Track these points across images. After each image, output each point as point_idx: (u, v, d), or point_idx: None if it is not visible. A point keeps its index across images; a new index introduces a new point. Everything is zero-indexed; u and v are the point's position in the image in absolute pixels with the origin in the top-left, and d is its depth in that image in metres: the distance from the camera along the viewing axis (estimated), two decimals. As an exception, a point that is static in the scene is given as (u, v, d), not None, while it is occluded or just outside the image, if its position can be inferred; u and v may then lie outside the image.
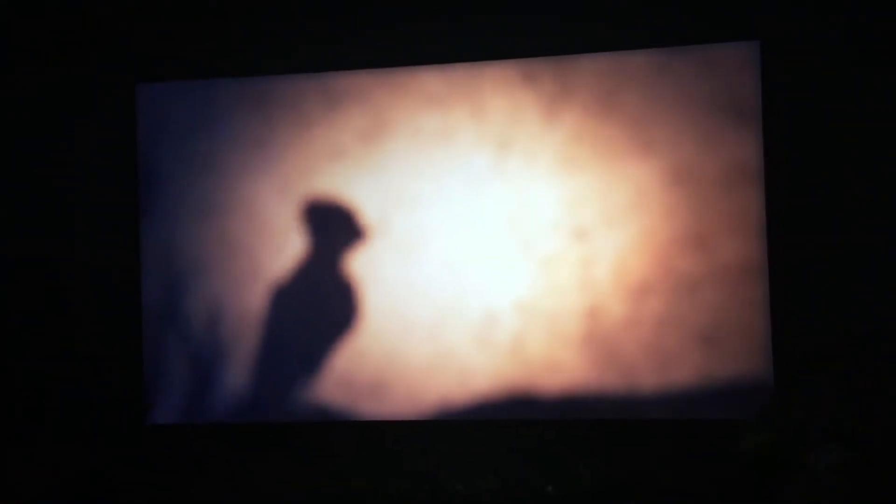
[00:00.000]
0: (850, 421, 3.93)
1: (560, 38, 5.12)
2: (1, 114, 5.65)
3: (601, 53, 5.10)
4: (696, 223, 4.98)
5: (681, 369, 4.98)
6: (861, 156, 4.76)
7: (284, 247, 5.39)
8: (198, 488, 5.35)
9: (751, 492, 4.23)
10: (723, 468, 4.57)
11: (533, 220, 5.15)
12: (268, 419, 5.39)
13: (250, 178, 5.42)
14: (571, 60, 5.14)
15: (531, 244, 5.15)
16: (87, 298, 5.53)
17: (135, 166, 5.56)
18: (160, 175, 5.53)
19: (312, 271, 5.37)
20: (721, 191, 4.95)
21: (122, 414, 5.45)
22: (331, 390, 5.33)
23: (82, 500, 5.24)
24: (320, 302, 5.35)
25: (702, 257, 4.97)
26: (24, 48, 5.60)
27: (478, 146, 5.21)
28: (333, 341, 5.33)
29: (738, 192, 4.93)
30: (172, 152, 5.52)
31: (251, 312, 5.41)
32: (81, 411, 5.40)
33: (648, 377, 5.01)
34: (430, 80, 5.27)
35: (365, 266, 5.30)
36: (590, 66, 5.12)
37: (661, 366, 5.00)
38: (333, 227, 5.34)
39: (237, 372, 5.42)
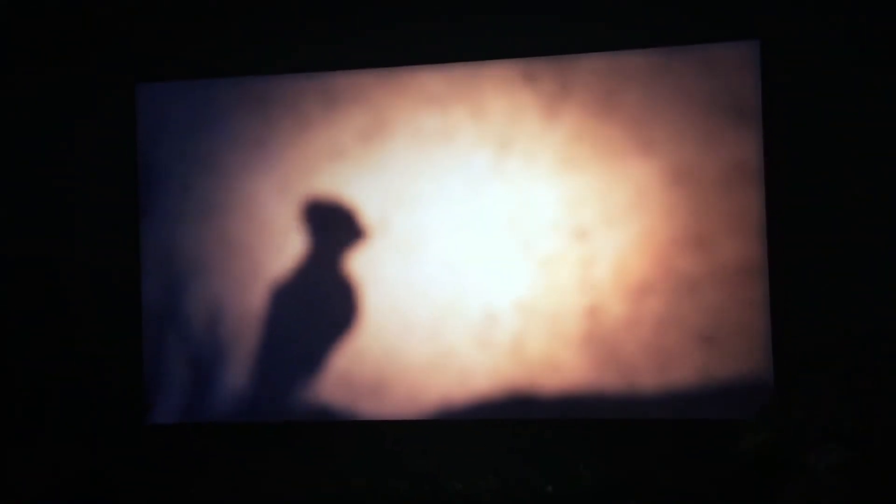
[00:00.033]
0: (850, 421, 3.94)
1: (560, 37, 5.12)
2: (1, 114, 5.65)
3: (601, 53, 5.10)
4: (696, 223, 4.98)
5: (681, 369, 4.98)
6: (861, 156, 4.76)
7: (284, 247, 5.39)
8: (198, 488, 5.35)
9: (751, 492, 4.24)
10: (723, 468, 4.57)
11: (533, 220, 5.15)
12: (268, 419, 5.39)
13: (250, 178, 5.42)
14: (571, 60, 5.14)
15: (531, 244, 5.15)
16: (87, 298, 5.53)
17: (135, 166, 5.56)
18: (160, 175, 5.53)
19: (312, 271, 5.37)
20: (721, 191, 4.95)
21: (122, 414, 5.45)
22: (331, 390, 5.33)
23: (82, 500, 5.24)
24: (320, 302, 5.35)
25: (702, 257, 4.97)
26: (24, 48, 5.60)
27: (478, 146, 5.21)
28: (333, 341, 5.33)
29: (738, 192, 4.93)
30: (172, 152, 5.52)
31: (251, 312, 5.41)
32: (81, 411, 5.40)
33: (648, 377, 5.01)
34: (430, 80, 5.27)
35: (365, 266, 5.30)
36: (590, 66, 5.12)
37: (661, 366, 5.00)
38: (333, 227, 5.34)
39: (237, 372, 5.42)
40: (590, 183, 5.09)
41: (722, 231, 4.95)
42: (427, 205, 5.25)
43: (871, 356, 4.10)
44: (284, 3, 5.39)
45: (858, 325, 4.43)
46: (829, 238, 4.76)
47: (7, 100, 5.64)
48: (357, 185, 5.32)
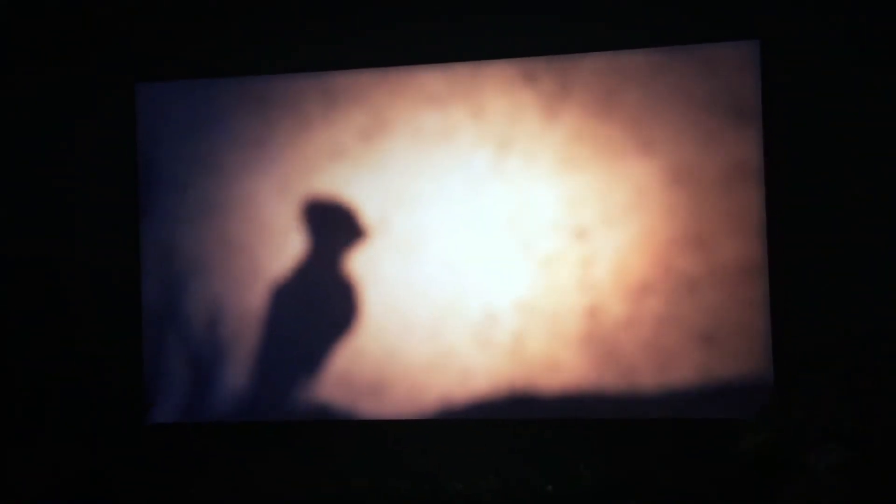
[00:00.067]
0: (850, 421, 3.94)
1: (560, 37, 5.12)
2: (1, 114, 5.65)
3: (601, 53, 5.10)
4: (696, 223, 4.98)
5: (681, 369, 4.98)
6: (861, 156, 4.76)
7: (284, 247, 5.39)
8: (198, 488, 5.35)
9: (751, 492, 4.24)
10: (723, 468, 4.57)
11: (533, 220, 5.15)
12: (268, 419, 5.39)
13: (250, 178, 5.42)
14: (571, 60, 5.14)
15: (531, 244, 5.15)
16: (87, 298, 5.53)
17: (135, 166, 5.56)
18: (160, 175, 5.53)
19: (312, 271, 5.37)
20: (721, 191, 4.95)
21: (122, 414, 5.45)
22: (331, 390, 5.33)
23: (82, 500, 5.24)
24: (320, 302, 5.35)
25: (702, 257, 4.97)
26: (24, 48, 5.60)
27: (478, 146, 5.21)
28: (333, 341, 5.33)
29: (738, 192, 4.93)
30: (172, 152, 5.51)
31: (251, 312, 5.41)
32: (81, 411, 5.40)
33: (648, 377, 5.01)
34: (430, 80, 5.27)
35: (365, 266, 5.30)
36: (590, 66, 5.12)
37: (660, 365, 5.00)
38: (333, 226, 5.34)
39: (237, 372, 5.42)
40: (590, 183, 5.09)
41: (722, 231, 4.95)
42: (427, 205, 5.25)
43: (871, 356, 4.10)
44: (284, 3, 5.39)
45: (858, 325, 4.43)
46: (829, 238, 4.76)
47: (7, 100, 5.64)
48: (357, 184, 5.32)
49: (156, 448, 5.45)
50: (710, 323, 4.95)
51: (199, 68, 5.49)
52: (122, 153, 5.56)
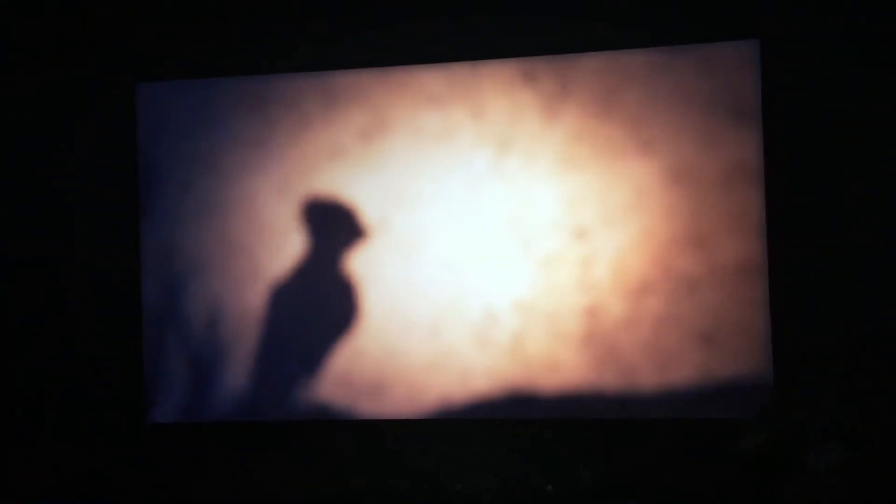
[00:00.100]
0: (850, 421, 3.94)
1: (560, 37, 5.12)
2: (1, 114, 5.65)
3: (601, 53, 5.10)
4: (696, 223, 4.98)
5: (680, 369, 4.98)
6: (861, 156, 4.76)
7: (284, 247, 5.39)
8: (198, 488, 5.35)
9: (751, 492, 4.24)
10: (723, 468, 4.57)
11: (533, 219, 5.15)
12: (268, 419, 5.39)
13: (250, 178, 5.42)
14: (571, 60, 5.14)
15: (531, 244, 5.15)
16: (87, 298, 5.53)
17: (135, 166, 5.56)
18: (160, 175, 5.53)
19: (312, 271, 5.37)
20: (721, 191, 4.95)
21: (122, 414, 5.45)
22: (331, 390, 5.33)
23: (82, 500, 5.24)
24: (320, 302, 5.35)
25: (701, 257, 4.97)
26: (24, 48, 5.60)
27: (478, 146, 5.21)
28: (333, 341, 5.33)
29: (738, 192, 4.93)
30: (172, 152, 5.51)
31: (251, 312, 5.41)
32: (81, 411, 5.40)
33: (648, 377, 5.01)
34: (430, 80, 5.27)
35: (365, 266, 5.30)
36: (590, 66, 5.12)
37: (660, 365, 5.00)
38: (333, 226, 5.34)
39: (237, 372, 5.42)
40: (590, 183, 5.09)
41: (722, 231, 4.95)
42: (427, 205, 5.25)
43: (871, 356, 4.10)
44: (284, 3, 5.39)
45: (858, 325, 4.43)
46: (829, 238, 4.76)
47: (7, 100, 5.64)
48: (357, 184, 5.32)
49: (156, 448, 5.45)
50: (710, 323, 4.95)
51: (199, 68, 5.49)
52: (122, 153, 5.56)
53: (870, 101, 4.74)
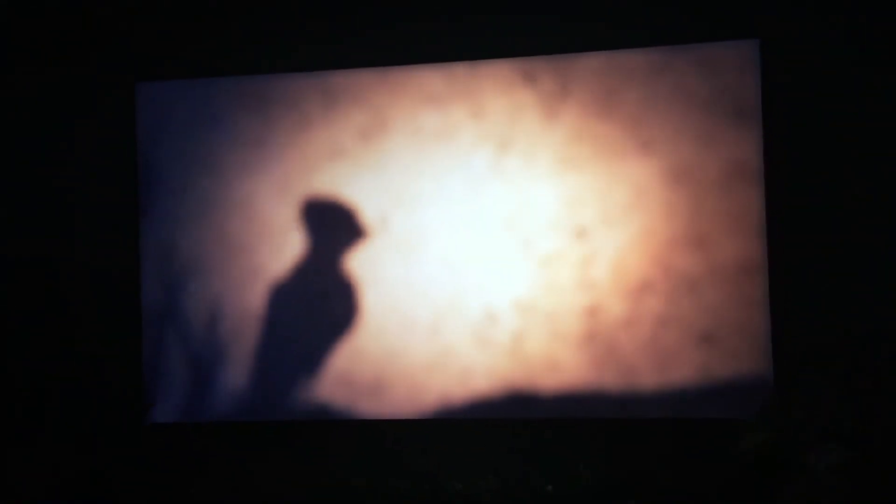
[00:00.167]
0: (850, 421, 3.93)
1: (560, 37, 5.12)
2: (1, 114, 5.65)
3: (601, 52, 5.10)
4: (695, 223, 4.98)
5: (680, 369, 4.98)
6: (861, 156, 4.76)
7: (284, 246, 5.39)
8: (198, 488, 5.35)
9: (751, 492, 4.23)
10: (723, 468, 4.57)
11: (533, 219, 5.15)
12: (268, 419, 5.39)
13: (250, 178, 5.42)
14: (571, 59, 5.14)
15: (531, 244, 5.15)
16: (87, 298, 5.53)
17: (135, 166, 5.56)
18: (160, 175, 5.53)
19: (312, 271, 5.37)
20: (721, 191, 4.95)
21: (122, 414, 5.45)
22: (331, 389, 5.33)
23: (82, 500, 5.24)
24: (320, 302, 5.35)
25: (701, 257, 4.97)
26: (24, 48, 5.60)
27: (478, 146, 5.21)
28: (333, 341, 5.33)
29: (738, 191, 4.93)
30: (172, 152, 5.51)
31: (251, 312, 5.41)
32: (81, 411, 5.40)
33: (648, 376, 5.01)
34: (430, 80, 5.26)
35: (365, 266, 5.30)
36: (589, 66, 5.12)
37: (660, 365, 5.00)
38: (333, 226, 5.34)
39: (237, 372, 5.42)
40: (589, 183, 5.09)
41: (722, 231, 4.95)
42: (427, 204, 5.25)
43: (871, 356, 4.10)
44: (284, 3, 5.39)
45: (858, 325, 4.43)
46: (829, 238, 4.76)
47: (7, 100, 5.64)
48: (357, 184, 5.32)
49: (156, 448, 5.45)
50: (710, 323, 4.95)
51: (199, 68, 5.49)
52: (122, 153, 5.55)
53: (870, 101, 4.74)
